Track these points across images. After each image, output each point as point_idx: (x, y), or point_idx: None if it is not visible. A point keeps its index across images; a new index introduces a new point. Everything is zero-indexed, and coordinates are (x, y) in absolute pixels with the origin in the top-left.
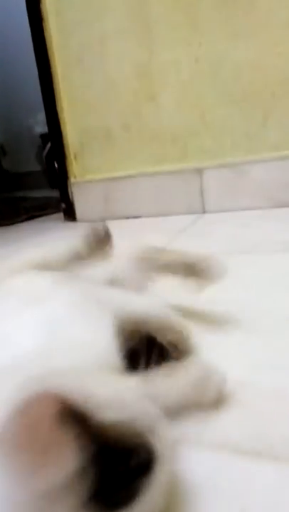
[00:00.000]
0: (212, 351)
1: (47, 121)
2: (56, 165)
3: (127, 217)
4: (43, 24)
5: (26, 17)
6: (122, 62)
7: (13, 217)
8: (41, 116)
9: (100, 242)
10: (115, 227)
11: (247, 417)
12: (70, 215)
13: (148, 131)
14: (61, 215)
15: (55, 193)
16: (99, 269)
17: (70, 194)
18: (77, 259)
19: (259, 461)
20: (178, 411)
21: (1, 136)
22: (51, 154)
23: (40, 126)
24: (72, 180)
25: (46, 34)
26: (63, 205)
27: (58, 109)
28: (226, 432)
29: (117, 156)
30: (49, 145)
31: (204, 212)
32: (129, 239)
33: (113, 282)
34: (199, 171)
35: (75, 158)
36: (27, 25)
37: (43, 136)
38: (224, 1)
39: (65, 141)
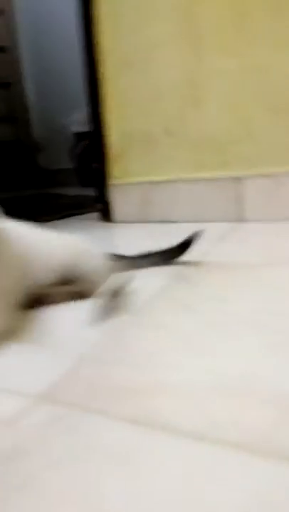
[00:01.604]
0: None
1: (90, 122)
2: (96, 166)
3: (163, 222)
4: (94, 28)
5: (71, 18)
6: (170, 67)
7: (52, 213)
8: (77, 116)
9: None
10: (154, 231)
11: None
12: (106, 215)
13: (190, 137)
14: (97, 214)
15: (86, 192)
16: None
17: (107, 195)
18: None
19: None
20: None
21: (37, 134)
22: (84, 153)
23: (75, 126)
24: (111, 181)
25: (96, 37)
26: (100, 206)
27: (102, 111)
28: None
29: (157, 160)
30: (83, 144)
31: (241, 221)
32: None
33: None
34: (238, 180)
35: (116, 159)
36: (71, 26)
37: (76, 135)
38: (275, 11)
39: (106, 143)
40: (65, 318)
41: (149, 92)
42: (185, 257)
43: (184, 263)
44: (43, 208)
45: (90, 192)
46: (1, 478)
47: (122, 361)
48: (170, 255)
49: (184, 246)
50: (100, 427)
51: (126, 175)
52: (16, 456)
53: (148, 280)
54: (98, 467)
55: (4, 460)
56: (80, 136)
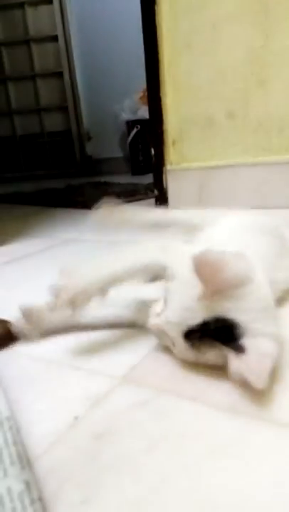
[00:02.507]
0: None
1: (148, 105)
2: (153, 151)
3: (221, 209)
4: (156, 8)
5: (123, 4)
6: (234, 47)
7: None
8: (128, 103)
9: None
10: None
11: None
12: (162, 202)
13: (254, 119)
14: (151, 201)
15: (135, 180)
16: None
17: (164, 181)
18: None
19: None
20: None
21: (87, 122)
22: (135, 141)
23: (127, 113)
24: (167, 167)
25: (157, 18)
26: (156, 192)
27: (161, 94)
28: None
29: (217, 144)
30: (134, 132)
31: None
32: None
33: None
34: None
35: (173, 144)
36: (122, 13)
37: (128, 123)
38: None
39: (164, 127)
40: None
41: (211, 73)
42: None
43: None
44: (96, 196)
45: (140, 180)
46: (94, 457)
47: None
48: None
49: None
50: (193, 414)
51: (183, 160)
52: (108, 436)
53: None
54: (197, 455)
55: (96, 439)
56: (131, 124)
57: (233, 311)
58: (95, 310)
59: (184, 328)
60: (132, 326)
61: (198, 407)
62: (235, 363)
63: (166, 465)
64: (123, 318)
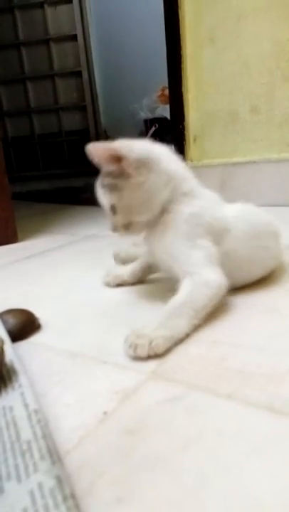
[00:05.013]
0: None
1: (170, 101)
2: (173, 147)
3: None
4: (179, 1)
5: (142, 5)
6: (260, 40)
7: None
8: (146, 102)
9: None
10: None
11: None
12: None
13: (279, 114)
14: None
15: None
16: None
17: None
18: None
19: None
20: None
21: (105, 121)
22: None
23: (145, 112)
24: (188, 163)
25: (180, 11)
26: None
27: (183, 89)
28: None
29: (240, 140)
30: (152, 131)
31: None
32: None
33: None
34: None
35: (194, 141)
36: (140, 12)
37: (146, 121)
38: None
39: (185, 123)
40: None
41: (235, 67)
42: None
43: None
44: None
45: None
46: (127, 454)
47: (236, 343)
48: None
49: None
50: (229, 412)
51: (204, 156)
52: (140, 432)
53: None
54: (237, 454)
55: (127, 435)
56: (149, 122)
57: None
58: None
59: None
60: None
61: (233, 404)
62: None
63: (205, 464)
64: None
